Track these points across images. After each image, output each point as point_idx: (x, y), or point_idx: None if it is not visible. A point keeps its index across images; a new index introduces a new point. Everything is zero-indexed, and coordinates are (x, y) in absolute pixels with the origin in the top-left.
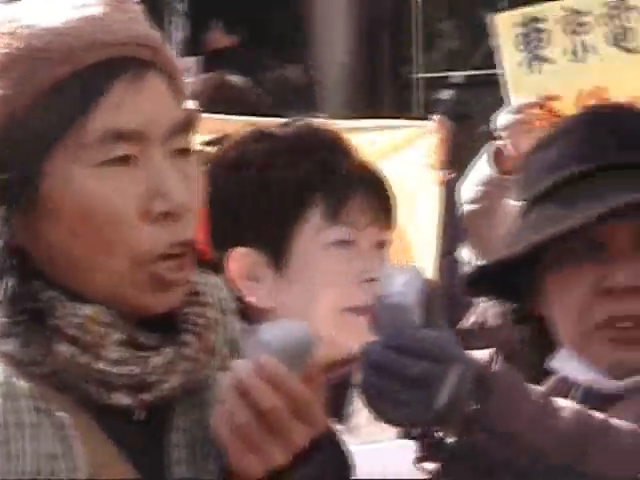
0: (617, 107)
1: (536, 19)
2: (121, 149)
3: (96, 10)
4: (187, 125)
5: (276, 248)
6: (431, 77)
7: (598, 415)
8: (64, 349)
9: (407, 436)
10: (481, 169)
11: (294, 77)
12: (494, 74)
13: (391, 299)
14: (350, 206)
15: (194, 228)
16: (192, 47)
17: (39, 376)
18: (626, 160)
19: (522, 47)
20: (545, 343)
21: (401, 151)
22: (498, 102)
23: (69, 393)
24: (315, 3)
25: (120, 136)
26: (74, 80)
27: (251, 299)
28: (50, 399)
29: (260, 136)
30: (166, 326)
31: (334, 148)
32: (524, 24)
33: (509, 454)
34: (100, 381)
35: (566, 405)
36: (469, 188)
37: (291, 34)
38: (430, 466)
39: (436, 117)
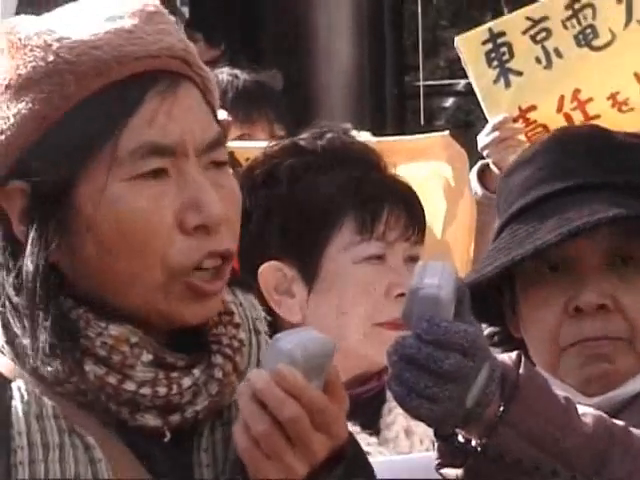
0: (588, 128)
1: (500, 33)
2: (155, 163)
3: (127, 22)
4: (222, 138)
5: (307, 262)
6: (434, 85)
7: (618, 421)
8: (94, 369)
9: (435, 436)
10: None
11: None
12: None
13: (425, 291)
14: (381, 220)
15: (231, 240)
16: None
17: (64, 395)
18: (593, 180)
19: (493, 63)
20: None
21: (416, 160)
22: None
23: (95, 412)
24: (317, 12)
25: (154, 150)
26: (106, 94)
27: (281, 313)
28: (75, 419)
29: (292, 150)
30: (196, 345)
31: (365, 162)
32: (490, 40)
33: (534, 456)
34: (129, 402)
35: (587, 410)
36: None
37: (284, 45)
38: (452, 472)
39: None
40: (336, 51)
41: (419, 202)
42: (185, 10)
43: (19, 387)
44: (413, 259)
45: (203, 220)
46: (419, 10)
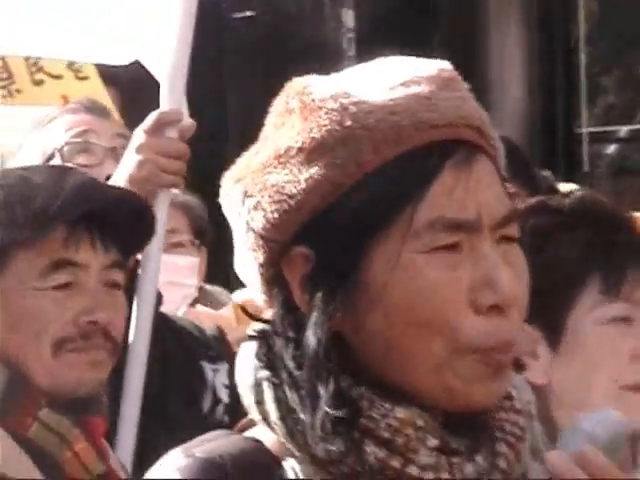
0: None
1: None
2: (450, 237)
3: (424, 88)
4: (515, 214)
5: (551, 324)
6: (596, 131)
7: None
8: (375, 451)
9: None
10: None
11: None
12: None
13: None
14: (626, 281)
15: (520, 322)
16: None
17: (337, 476)
18: None
19: None
20: None
21: None
22: None
23: None
24: (492, 64)
25: (451, 225)
26: (402, 162)
27: (526, 375)
28: None
29: (541, 208)
30: (472, 429)
31: (612, 221)
32: None
33: None
34: None
35: None
36: None
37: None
38: None
39: None
40: (510, 100)
41: None
42: None
43: (292, 467)
44: None
45: (497, 300)
46: (582, 59)
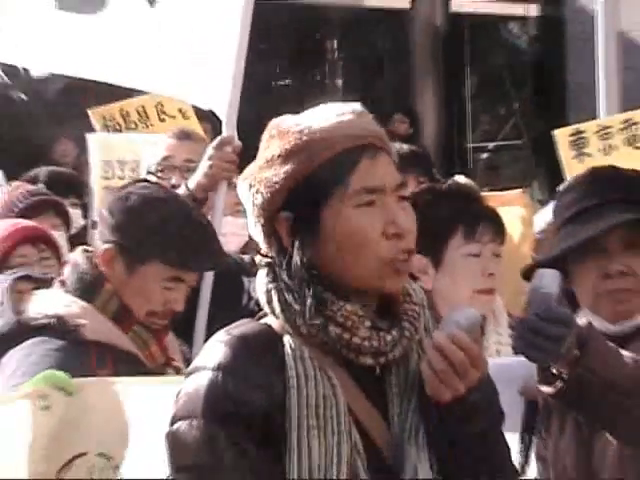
0: (613, 167)
1: (581, 131)
2: (370, 198)
3: (348, 117)
4: (405, 183)
5: (435, 255)
6: (476, 146)
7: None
8: (334, 329)
9: (541, 368)
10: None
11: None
12: (513, 144)
13: (543, 289)
14: (478, 231)
15: (412, 242)
16: None
17: (314, 344)
18: (618, 197)
19: (573, 147)
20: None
21: (505, 205)
22: (515, 161)
23: (332, 355)
24: (420, 109)
25: (369, 190)
26: (339, 158)
27: (420, 283)
28: (321, 359)
29: (429, 190)
30: (390, 315)
31: (469, 197)
32: (574, 134)
33: (599, 382)
34: (355, 349)
35: (628, 354)
36: (541, 221)
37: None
38: (546, 388)
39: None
40: (429, 129)
41: (501, 220)
42: None
43: (288, 339)
44: (498, 255)
45: (397, 230)
46: (468, 106)
